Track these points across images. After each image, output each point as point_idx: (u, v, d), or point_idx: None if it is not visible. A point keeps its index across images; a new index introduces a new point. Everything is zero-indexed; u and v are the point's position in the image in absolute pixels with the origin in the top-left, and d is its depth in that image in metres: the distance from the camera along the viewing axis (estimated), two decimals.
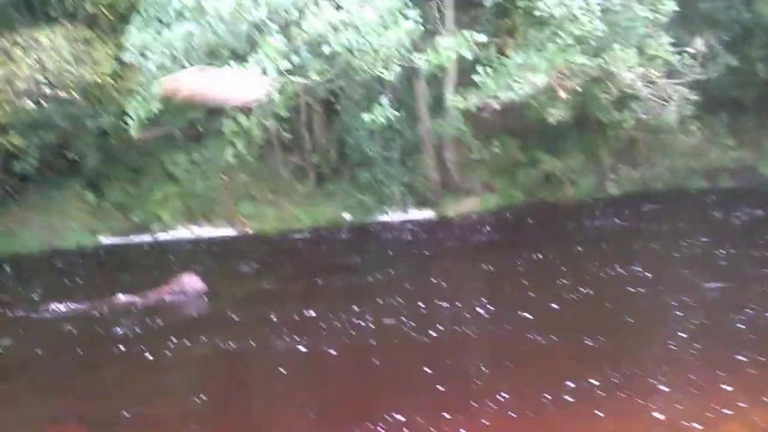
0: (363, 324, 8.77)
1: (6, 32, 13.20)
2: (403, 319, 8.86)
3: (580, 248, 12.31)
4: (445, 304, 9.51)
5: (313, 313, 9.36)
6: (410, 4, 12.42)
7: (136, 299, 10.59)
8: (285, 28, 11.12)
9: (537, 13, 12.30)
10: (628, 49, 12.08)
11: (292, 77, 10.64)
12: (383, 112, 11.23)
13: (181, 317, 10.12)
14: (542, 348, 7.55)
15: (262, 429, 6.44)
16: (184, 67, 11.34)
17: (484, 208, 17.15)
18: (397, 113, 12.17)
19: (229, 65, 10.29)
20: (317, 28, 10.55)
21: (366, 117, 11.29)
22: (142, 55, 11.18)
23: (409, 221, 16.25)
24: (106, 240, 15.82)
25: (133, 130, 12.98)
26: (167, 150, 16.61)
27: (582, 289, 9.55)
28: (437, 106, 16.82)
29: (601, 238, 13.35)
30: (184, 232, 16.13)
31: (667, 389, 6.33)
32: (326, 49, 10.71)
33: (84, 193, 16.02)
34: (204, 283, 10.85)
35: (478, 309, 9.17)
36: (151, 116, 13.21)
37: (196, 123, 16.24)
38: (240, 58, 10.85)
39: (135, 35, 11.29)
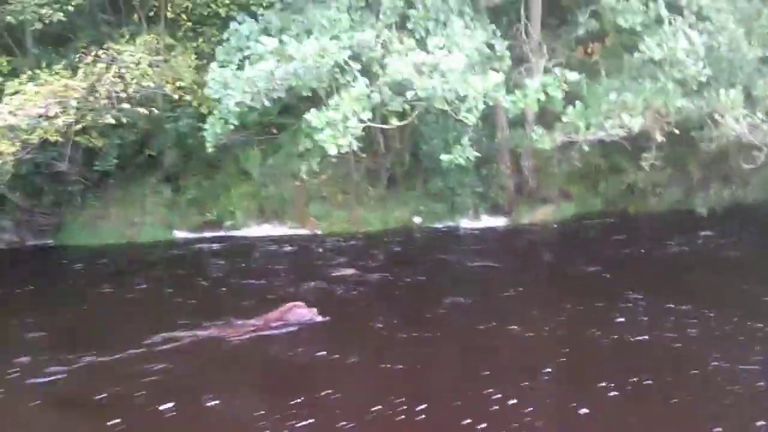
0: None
1: (89, 45, 13.27)
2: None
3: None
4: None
5: None
6: (497, 32, 11.82)
7: (237, 327, 9.34)
8: (367, 66, 10.74)
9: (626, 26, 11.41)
10: (734, 89, 11.18)
11: (372, 124, 10.33)
12: (463, 152, 10.84)
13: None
14: None
15: None
16: (263, 104, 11.16)
17: (560, 217, 16.67)
18: (477, 154, 11.70)
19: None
20: (401, 71, 10.12)
21: (445, 158, 10.94)
22: (224, 87, 10.98)
23: (480, 228, 16.03)
24: (180, 234, 16.17)
25: (209, 145, 13.00)
26: (242, 148, 16.60)
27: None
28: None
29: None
30: (255, 229, 16.32)
31: None
32: (409, 94, 10.32)
33: (161, 187, 16.28)
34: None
35: None
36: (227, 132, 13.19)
37: (270, 126, 16.15)
38: (320, 99, 10.59)
39: (217, 72, 11.08)
